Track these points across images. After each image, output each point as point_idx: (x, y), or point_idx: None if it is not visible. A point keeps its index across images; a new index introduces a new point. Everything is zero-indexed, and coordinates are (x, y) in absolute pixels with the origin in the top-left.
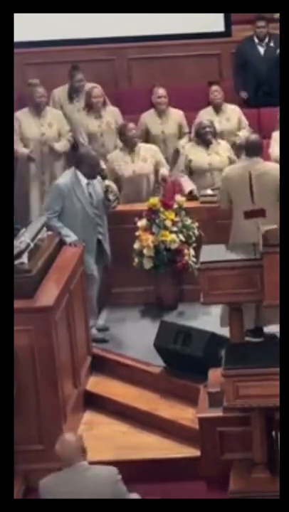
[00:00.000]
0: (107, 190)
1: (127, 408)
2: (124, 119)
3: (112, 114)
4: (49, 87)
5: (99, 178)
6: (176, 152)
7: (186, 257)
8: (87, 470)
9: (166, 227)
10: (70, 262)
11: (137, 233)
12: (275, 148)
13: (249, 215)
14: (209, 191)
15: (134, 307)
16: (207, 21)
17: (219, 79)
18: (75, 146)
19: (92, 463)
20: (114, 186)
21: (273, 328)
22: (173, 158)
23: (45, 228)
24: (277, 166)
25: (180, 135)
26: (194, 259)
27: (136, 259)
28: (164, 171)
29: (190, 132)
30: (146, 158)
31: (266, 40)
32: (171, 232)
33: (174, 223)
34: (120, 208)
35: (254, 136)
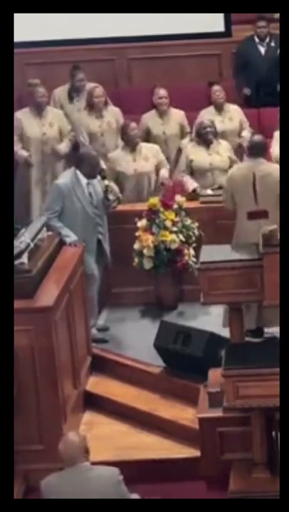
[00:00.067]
0: (106, 190)
1: (126, 408)
2: (125, 119)
3: (113, 114)
4: (49, 87)
5: (98, 177)
6: (179, 152)
7: (186, 257)
8: (90, 470)
9: (166, 228)
10: (70, 262)
11: (137, 233)
12: (275, 148)
13: (252, 216)
14: (209, 191)
15: (134, 307)
16: (207, 21)
17: (219, 79)
18: (75, 145)
19: (92, 463)
20: (114, 186)
21: (274, 330)
22: (175, 158)
23: (45, 228)
24: None
25: (182, 135)
26: (194, 259)
27: (136, 259)
28: (165, 172)
29: (191, 132)
30: (148, 157)
31: (267, 40)
32: (171, 232)
33: (174, 223)
34: (120, 207)
35: (258, 137)
